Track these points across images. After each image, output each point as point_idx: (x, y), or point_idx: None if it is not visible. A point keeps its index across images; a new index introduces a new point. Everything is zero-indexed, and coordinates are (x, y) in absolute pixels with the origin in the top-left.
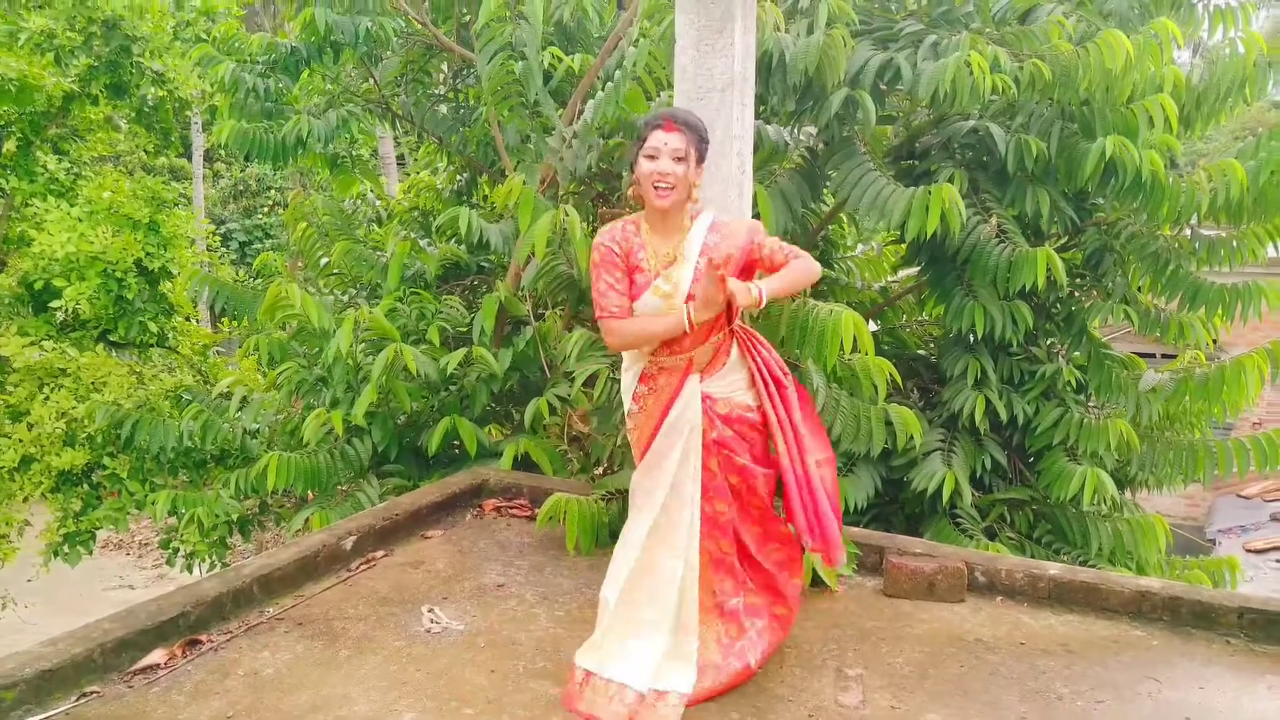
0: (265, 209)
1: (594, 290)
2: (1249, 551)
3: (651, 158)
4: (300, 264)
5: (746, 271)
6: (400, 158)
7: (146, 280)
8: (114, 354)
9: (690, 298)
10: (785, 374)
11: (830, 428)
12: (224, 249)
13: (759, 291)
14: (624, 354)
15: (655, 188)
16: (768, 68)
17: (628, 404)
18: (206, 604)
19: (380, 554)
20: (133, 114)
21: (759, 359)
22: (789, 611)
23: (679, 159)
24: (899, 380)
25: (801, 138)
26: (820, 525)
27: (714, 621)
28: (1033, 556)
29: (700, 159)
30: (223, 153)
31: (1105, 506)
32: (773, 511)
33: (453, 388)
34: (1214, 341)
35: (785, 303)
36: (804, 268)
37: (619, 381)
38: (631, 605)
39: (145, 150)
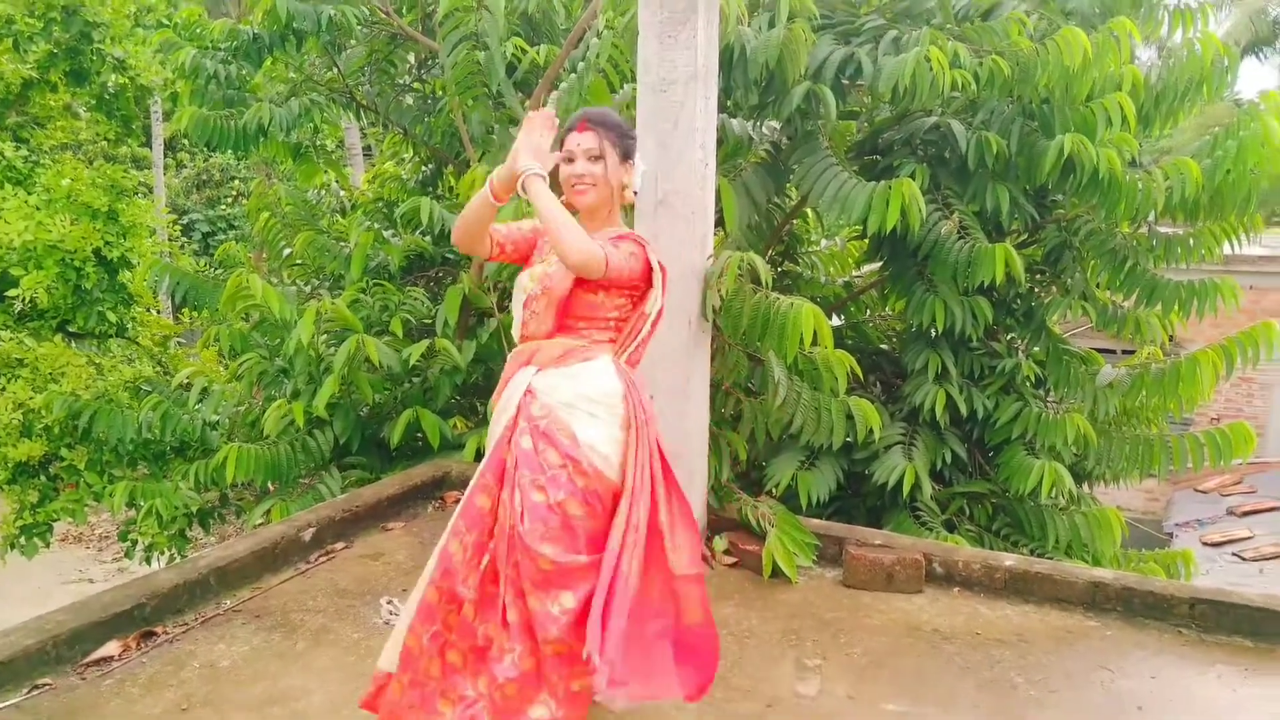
0: (229, 199)
1: None
2: (1206, 545)
3: (569, 160)
4: (265, 255)
5: (634, 298)
6: (367, 148)
7: (105, 270)
8: (73, 344)
9: (543, 279)
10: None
11: (791, 420)
12: (186, 239)
13: (527, 169)
14: None
15: (574, 188)
16: (729, 61)
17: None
18: (162, 596)
19: (340, 546)
20: (93, 101)
21: (636, 420)
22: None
23: (594, 158)
24: (859, 374)
25: (766, 132)
26: (602, 641)
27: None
28: (991, 549)
29: (625, 155)
30: (185, 142)
31: (1063, 500)
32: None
33: (416, 379)
34: (1171, 338)
35: (747, 295)
36: (570, 226)
37: None
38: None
39: (107, 139)
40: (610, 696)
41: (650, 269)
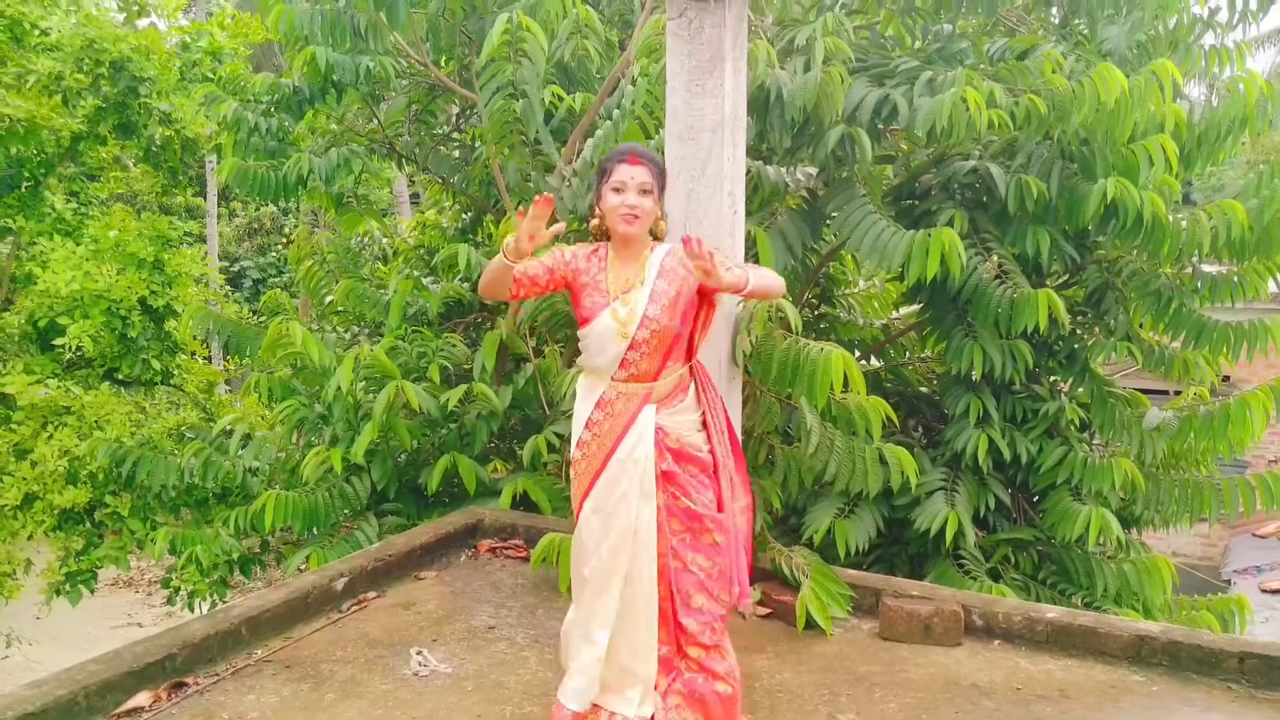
0: (279, 247)
1: None
2: (1265, 592)
3: (618, 190)
4: (310, 302)
5: (701, 296)
6: (414, 196)
7: (151, 318)
8: (121, 392)
9: (644, 323)
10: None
11: (825, 467)
12: (231, 288)
13: (744, 275)
14: (580, 380)
15: (623, 218)
16: (765, 104)
17: (578, 433)
18: (193, 646)
19: (372, 595)
20: (140, 153)
21: (711, 400)
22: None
23: (645, 191)
24: (895, 420)
25: (801, 178)
26: (737, 572)
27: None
28: (1037, 598)
29: (662, 191)
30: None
31: (1111, 547)
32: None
33: (453, 425)
34: (1226, 379)
35: (777, 341)
36: (776, 276)
37: None
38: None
39: (156, 189)
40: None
41: None
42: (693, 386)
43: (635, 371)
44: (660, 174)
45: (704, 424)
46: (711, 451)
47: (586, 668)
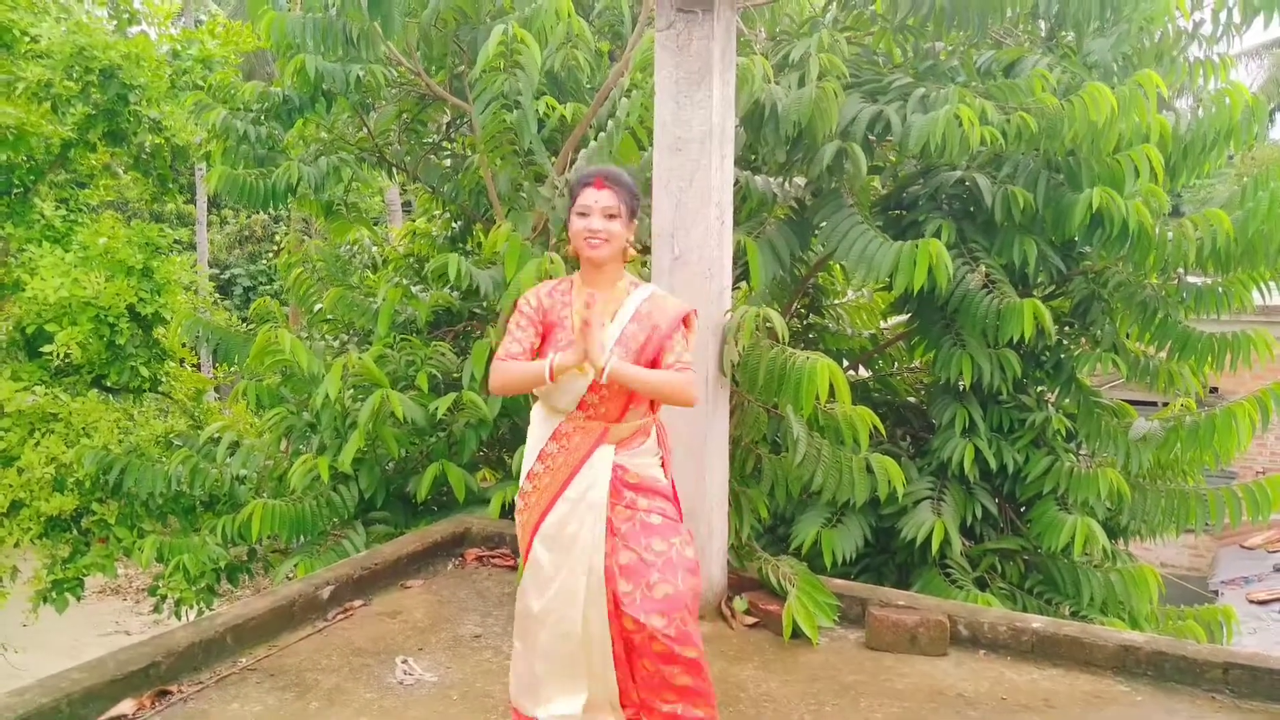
0: (270, 254)
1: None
2: (1252, 603)
3: (583, 215)
4: (300, 310)
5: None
6: (406, 204)
7: (139, 325)
8: (109, 399)
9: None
10: None
11: (812, 477)
12: (220, 296)
13: (608, 364)
14: (536, 408)
15: (587, 242)
16: (760, 119)
17: (530, 463)
18: (177, 654)
19: (358, 603)
20: (130, 161)
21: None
22: None
23: (610, 216)
24: (882, 429)
25: (789, 189)
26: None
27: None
28: (1024, 607)
29: (632, 215)
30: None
31: (1098, 556)
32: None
33: (442, 433)
34: (1214, 390)
35: (763, 350)
36: (669, 381)
37: None
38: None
39: (146, 197)
40: None
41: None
42: (654, 431)
43: (594, 414)
44: (631, 197)
45: (663, 465)
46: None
47: None
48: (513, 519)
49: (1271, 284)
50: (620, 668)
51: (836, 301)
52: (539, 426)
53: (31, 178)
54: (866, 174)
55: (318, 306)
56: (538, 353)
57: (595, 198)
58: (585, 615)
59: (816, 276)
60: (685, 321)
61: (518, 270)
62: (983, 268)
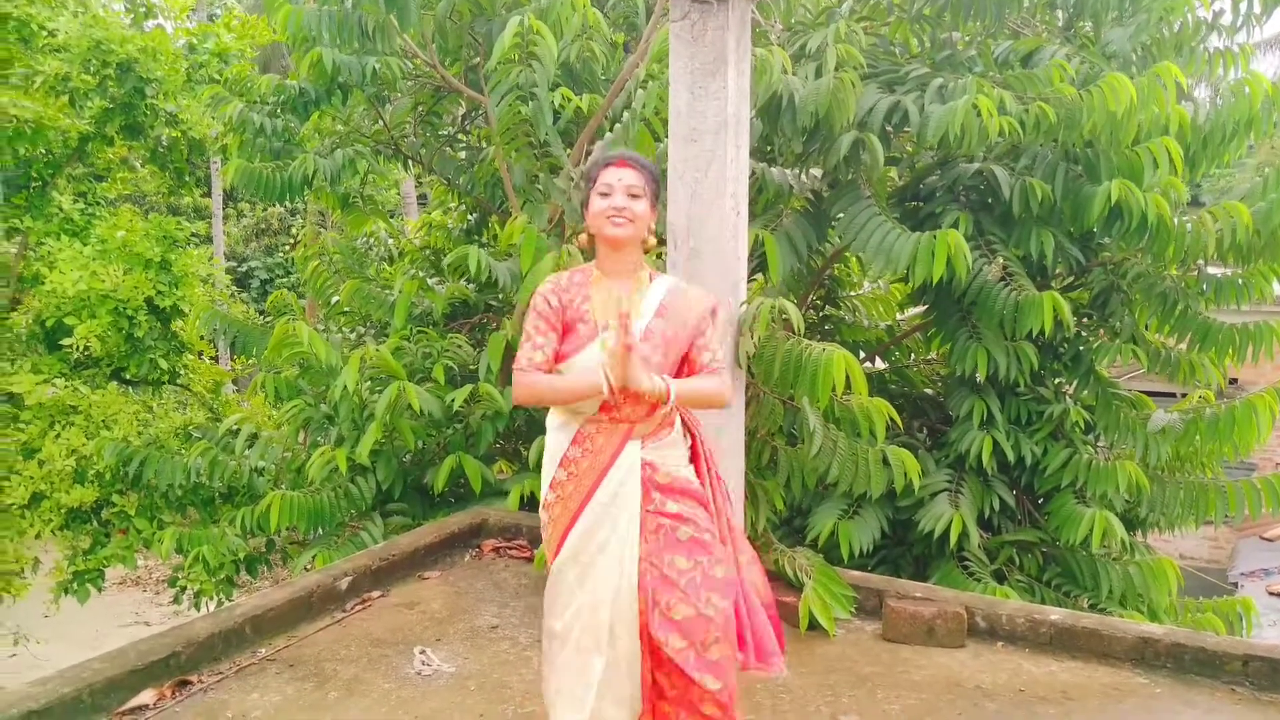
0: (286, 247)
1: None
2: (1272, 595)
3: (605, 194)
4: (318, 303)
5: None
6: (421, 196)
7: (158, 318)
8: (128, 391)
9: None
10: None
11: (828, 469)
12: (238, 289)
13: (666, 389)
14: (552, 412)
15: (610, 220)
16: (777, 109)
17: (552, 471)
18: (197, 644)
19: (376, 594)
20: (147, 154)
21: (701, 442)
22: None
23: (634, 195)
24: (899, 421)
25: (806, 180)
26: (756, 637)
27: None
28: (1042, 600)
29: (655, 198)
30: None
31: (1116, 549)
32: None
33: (458, 425)
34: (1234, 381)
35: (779, 342)
36: (714, 389)
37: None
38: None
39: (163, 190)
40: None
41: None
42: (679, 419)
43: (619, 416)
44: (653, 179)
45: (693, 457)
46: (705, 490)
47: None
48: (529, 510)
49: None
50: (646, 683)
51: (853, 293)
52: (558, 431)
53: (49, 171)
54: (884, 165)
55: (335, 299)
56: (557, 353)
57: (619, 175)
58: (613, 631)
59: (833, 268)
60: (713, 313)
61: (534, 263)
62: (1000, 260)
